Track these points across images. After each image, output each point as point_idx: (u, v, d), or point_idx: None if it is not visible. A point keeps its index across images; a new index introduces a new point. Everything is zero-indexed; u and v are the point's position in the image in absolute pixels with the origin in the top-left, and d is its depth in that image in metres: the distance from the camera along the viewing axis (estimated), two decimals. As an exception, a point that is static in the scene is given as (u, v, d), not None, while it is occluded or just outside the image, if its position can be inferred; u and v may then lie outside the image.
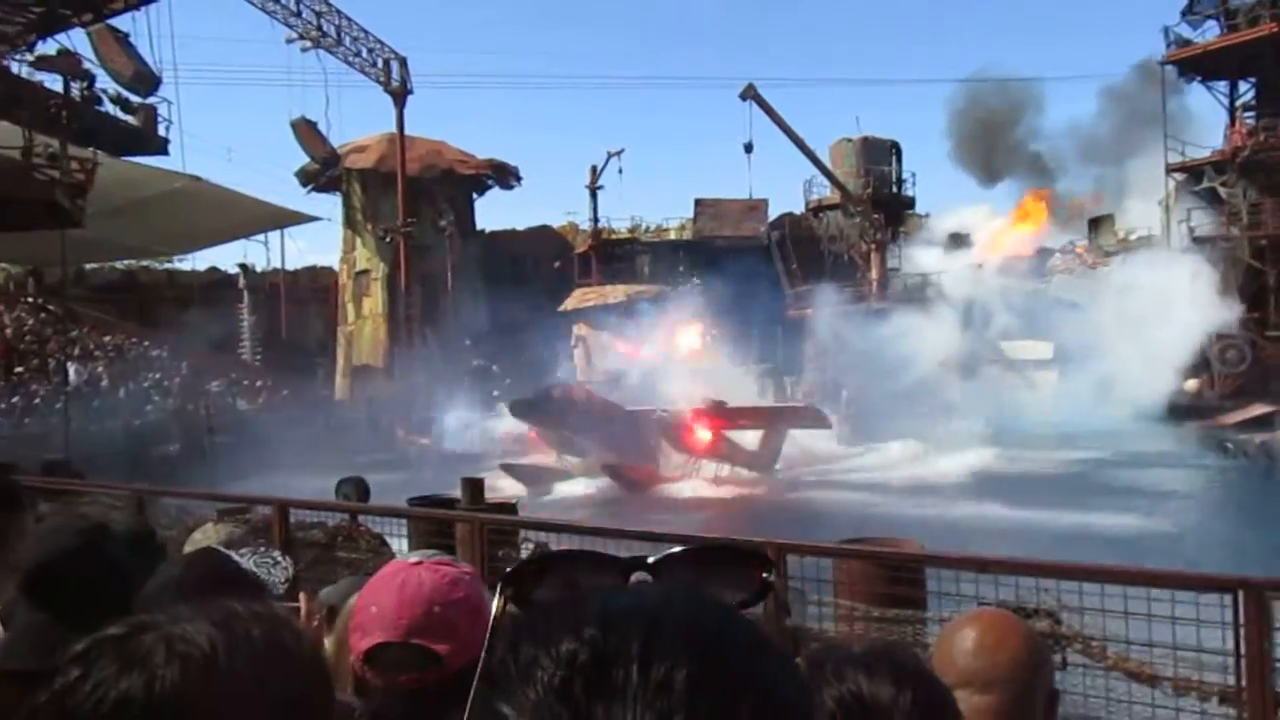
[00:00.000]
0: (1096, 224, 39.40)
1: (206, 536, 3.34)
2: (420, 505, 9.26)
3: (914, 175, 45.32)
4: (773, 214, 44.49)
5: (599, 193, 42.95)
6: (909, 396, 34.85)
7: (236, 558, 1.85)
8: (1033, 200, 44.20)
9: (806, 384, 40.69)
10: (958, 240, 41.67)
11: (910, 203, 45.17)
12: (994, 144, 49.83)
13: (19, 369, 28.23)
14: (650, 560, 0.64)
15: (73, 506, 7.71)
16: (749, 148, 39.50)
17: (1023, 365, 35.00)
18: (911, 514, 16.48)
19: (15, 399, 25.86)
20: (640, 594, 0.52)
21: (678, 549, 0.67)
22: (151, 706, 0.69)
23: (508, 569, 0.65)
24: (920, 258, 40.62)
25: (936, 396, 34.16)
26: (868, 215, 40.84)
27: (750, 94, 38.07)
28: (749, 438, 22.78)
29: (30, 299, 35.19)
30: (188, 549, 3.12)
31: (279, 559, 2.14)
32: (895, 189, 44.07)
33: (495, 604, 0.65)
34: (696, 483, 21.42)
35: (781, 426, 22.81)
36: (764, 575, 0.69)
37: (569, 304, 41.41)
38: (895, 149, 44.35)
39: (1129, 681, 3.87)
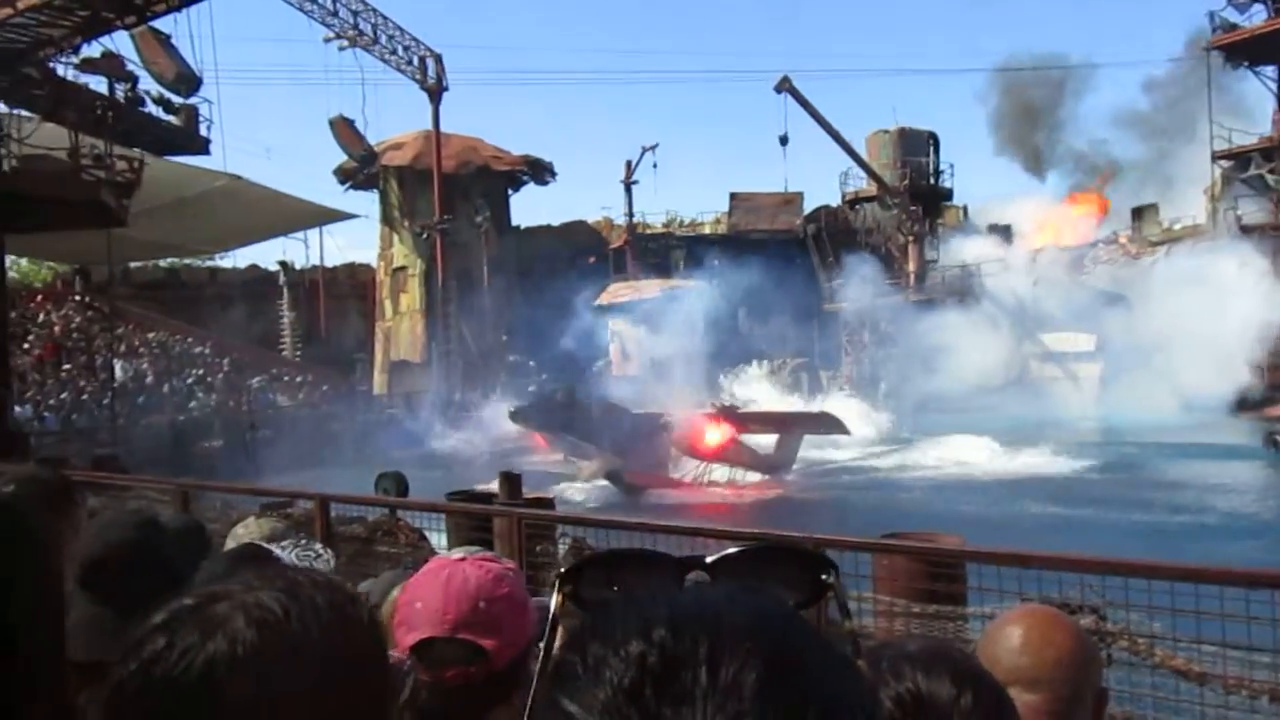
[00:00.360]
0: (1140, 214, 38.73)
1: (249, 531, 3.37)
2: (458, 500, 9.33)
3: (951, 166, 44.75)
4: (808, 207, 44.26)
5: (634, 187, 42.98)
6: (947, 389, 34.55)
7: (278, 551, 1.88)
8: (1094, 195, 43.66)
9: (843, 377, 40.48)
10: (999, 231, 41.18)
11: (948, 194, 44.67)
12: (1037, 131, 49.19)
13: (67, 366, 28.81)
14: (708, 560, 0.64)
15: (121, 501, 7.86)
16: (784, 140, 39.30)
17: (1064, 358, 34.55)
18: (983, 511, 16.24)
19: (64, 395, 26.41)
20: (703, 595, 0.52)
21: (734, 549, 0.66)
22: (235, 667, 0.75)
23: (564, 567, 0.65)
24: (961, 249, 40.17)
25: (976, 389, 33.82)
26: (905, 207, 40.47)
27: (785, 86, 37.85)
28: (763, 440, 22.25)
29: (78, 297, 35.92)
30: (230, 543, 3.16)
31: (320, 551, 2.16)
32: (933, 180, 43.61)
33: (553, 601, 0.65)
34: (712, 491, 20.84)
35: (797, 431, 22.19)
36: (823, 576, 0.68)
37: (604, 299, 41.47)
38: (933, 140, 43.89)
39: (1176, 679, 3.80)
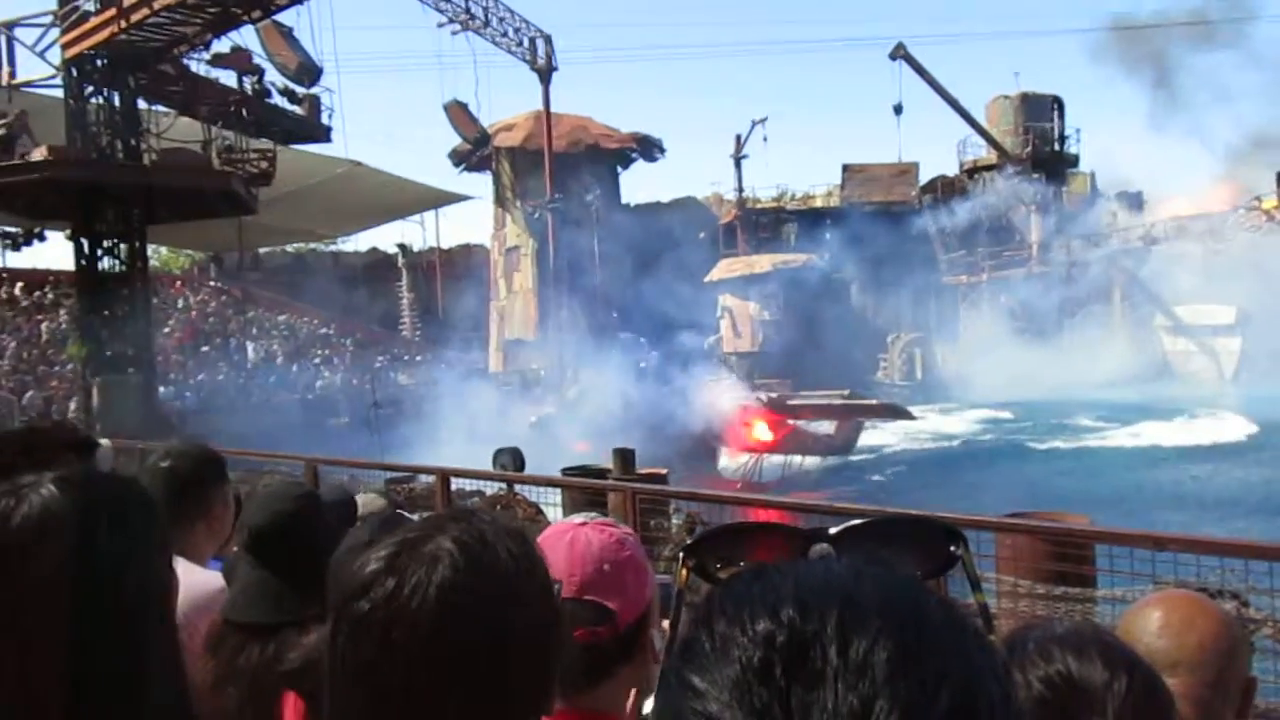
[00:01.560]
0: (1286, 177, 36.28)
1: (366, 505, 3.55)
2: (573, 475, 9.48)
3: (1077, 131, 42.70)
4: (924, 177, 43.02)
5: (744, 162, 42.55)
6: (1069, 361, 33.22)
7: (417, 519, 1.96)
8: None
9: (961, 352, 39.34)
10: (1129, 199, 39.25)
11: (1074, 160, 42.72)
12: (1173, 82, 46.57)
13: (205, 348, 30.41)
14: (833, 531, 0.63)
15: (257, 476, 8.25)
16: (899, 109, 38.29)
17: (1199, 331, 32.76)
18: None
19: (201, 376, 27.89)
20: (830, 570, 0.51)
21: (859, 520, 0.65)
22: (460, 589, 0.89)
23: (688, 540, 0.65)
24: (1087, 218, 38.43)
25: (1098, 362, 32.44)
26: (1027, 175, 38.94)
27: (900, 53, 36.84)
28: (823, 424, 21.78)
29: (213, 283, 37.83)
30: None
31: None
32: (1057, 146, 41.75)
33: (678, 575, 0.65)
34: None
35: (855, 420, 21.60)
36: (951, 548, 0.66)
37: (714, 275, 41.30)
38: (1057, 104, 41.99)
39: (1327, 669, 3.59)
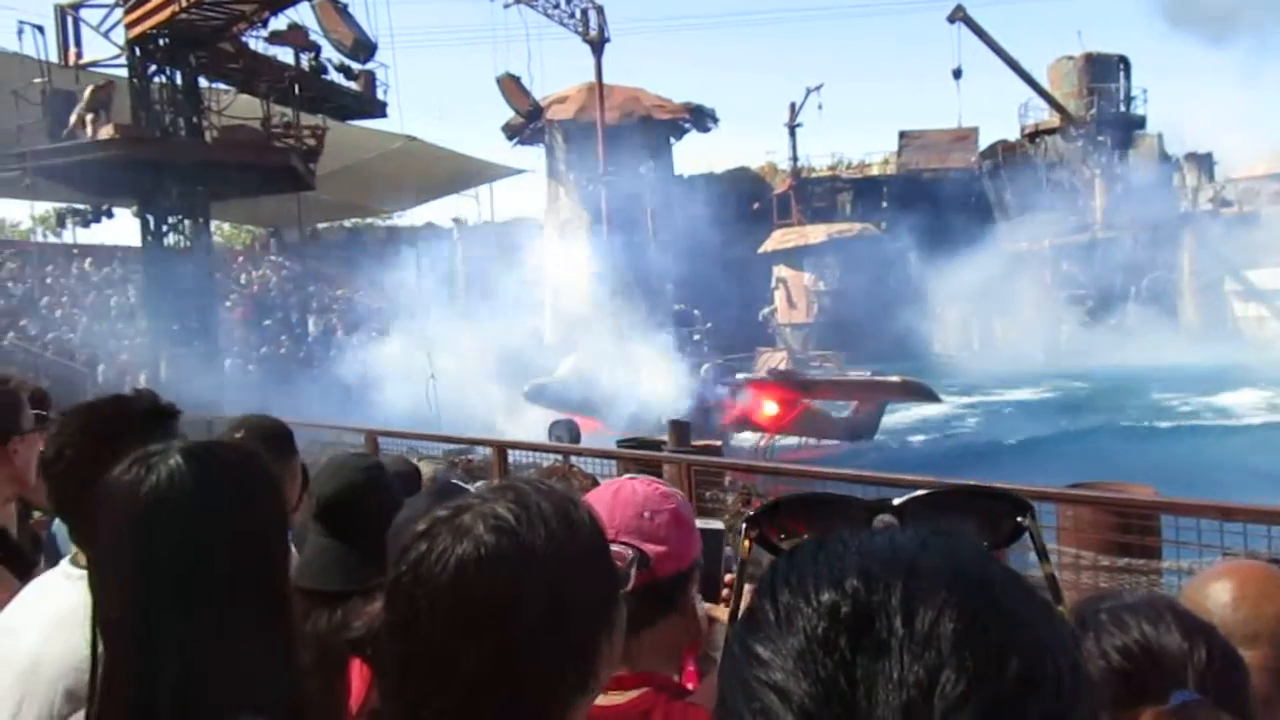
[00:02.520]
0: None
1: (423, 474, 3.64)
2: (629, 447, 9.53)
3: (1145, 91, 41.33)
4: (984, 143, 42.07)
5: (798, 130, 42.00)
6: (1134, 329, 32.40)
7: (471, 490, 1.99)
8: None
9: (1022, 321, 38.59)
10: (1198, 160, 37.99)
11: (1140, 121, 41.40)
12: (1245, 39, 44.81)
13: (266, 322, 31.03)
14: (896, 502, 0.62)
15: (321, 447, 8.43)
16: (958, 73, 37.41)
17: (1273, 295, 31.74)
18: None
19: (264, 350, 28.48)
20: (894, 540, 0.50)
21: (924, 491, 0.64)
22: (481, 564, 0.93)
23: (750, 512, 0.65)
24: (1155, 180, 37.29)
25: (1168, 329, 31.60)
26: (1092, 138, 37.87)
27: (959, 15, 35.94)
28: (840, 404, 20.09)
29: (273, 258, 38.52)
30: None
31: None
32: (1123, 108, 40.47)
33: (741, 546, 0.65)
34: None
35: (877, 399, 19.85)
36: (1018, 519, 0.65)
37: (769, 245, 40.96)
38: (1123, 64, 40.67)
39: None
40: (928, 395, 19.09)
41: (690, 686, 1.40)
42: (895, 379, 19.06)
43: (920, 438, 21.55)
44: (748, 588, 0.60)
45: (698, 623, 1.46)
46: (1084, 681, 0.47)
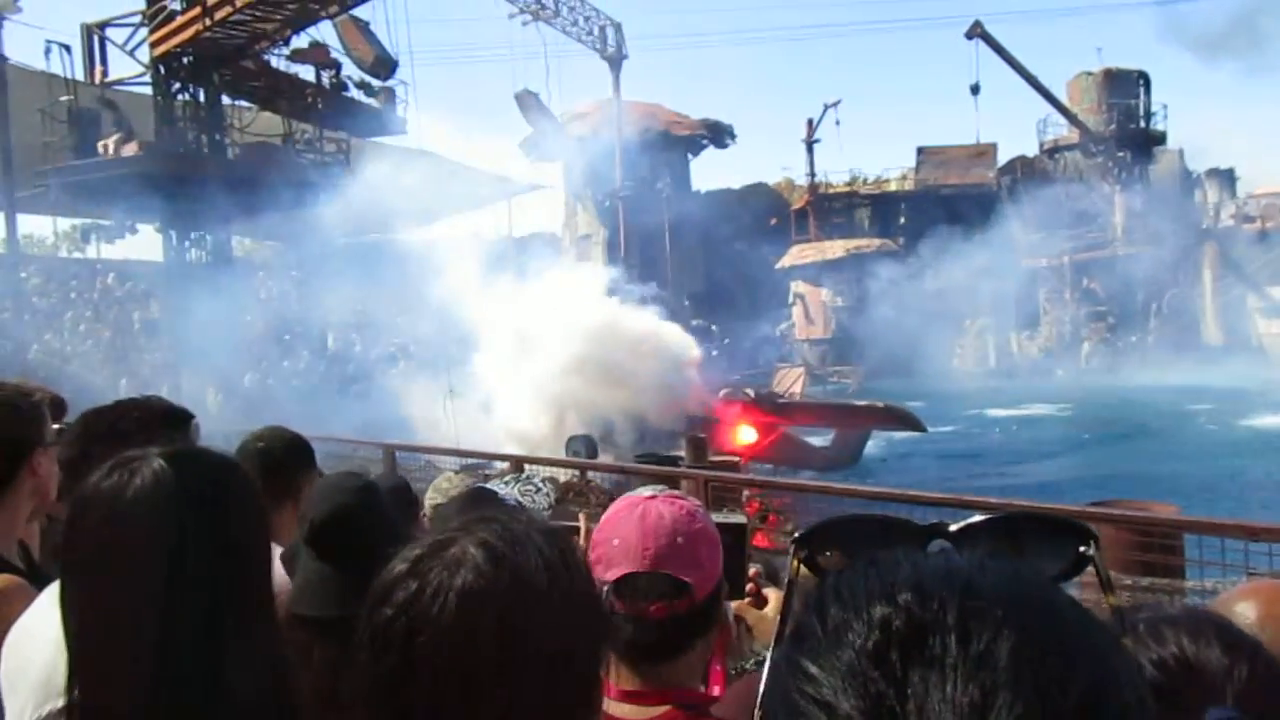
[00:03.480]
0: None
1: (451, 484, 3.63)
2: (646, 462, 9.52)
3: (1165, 107, 41.12)
4: (1002, 159, 41.99)
5: (815, 146, 42.05)
6: (1155, 346, 32.13)
7: (501, 489, 1.98)
8: None
9: (1042, 337, 38.38)
10: (1220, 176, 37.76)
11: (1161, 137, 41.22)
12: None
13: (286, 336, 31.24)
14: (953, 528, 0.60)
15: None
16: (976, 89, 37.38)
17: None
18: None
19: (285, 363, 28.67)
20: (950, 560, 0.49)
21: (981, 517, 0.62)
22: (486, 594, 0.85)
23: (798, 531, 0.64)
24: (1175, 197, 37.09)
25: (1190, 345, 31.32)
26: (1111, 154, 37.72)
27: (977, 31, 35.92)
28: (816, 434, 18.59)
29: (293, 273, 38.80)
30: (432, 494, 3.43)
31: (540, 485, 2.24)
32: (1143, 124, 40.31)
33: (790, 564, 0.64)
34: None
35: (858, 427, 18.43)
36: (1080, 548, 0.63)
37: (786, 261, 40.93)
38: (1143, 80, 40.52)
39: None
40: (912, 424, 17.40)
41: (716, 691, 1.38)
42: (879, 405, 17.73)
43: (933, 453, 21.24)
44: (795, 606, 0.59)
45: (728, 627, 1.45)
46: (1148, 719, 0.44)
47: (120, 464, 1.15)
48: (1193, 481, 14.87)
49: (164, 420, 1.66)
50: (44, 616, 1.51)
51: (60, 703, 1.27)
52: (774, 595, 1.61)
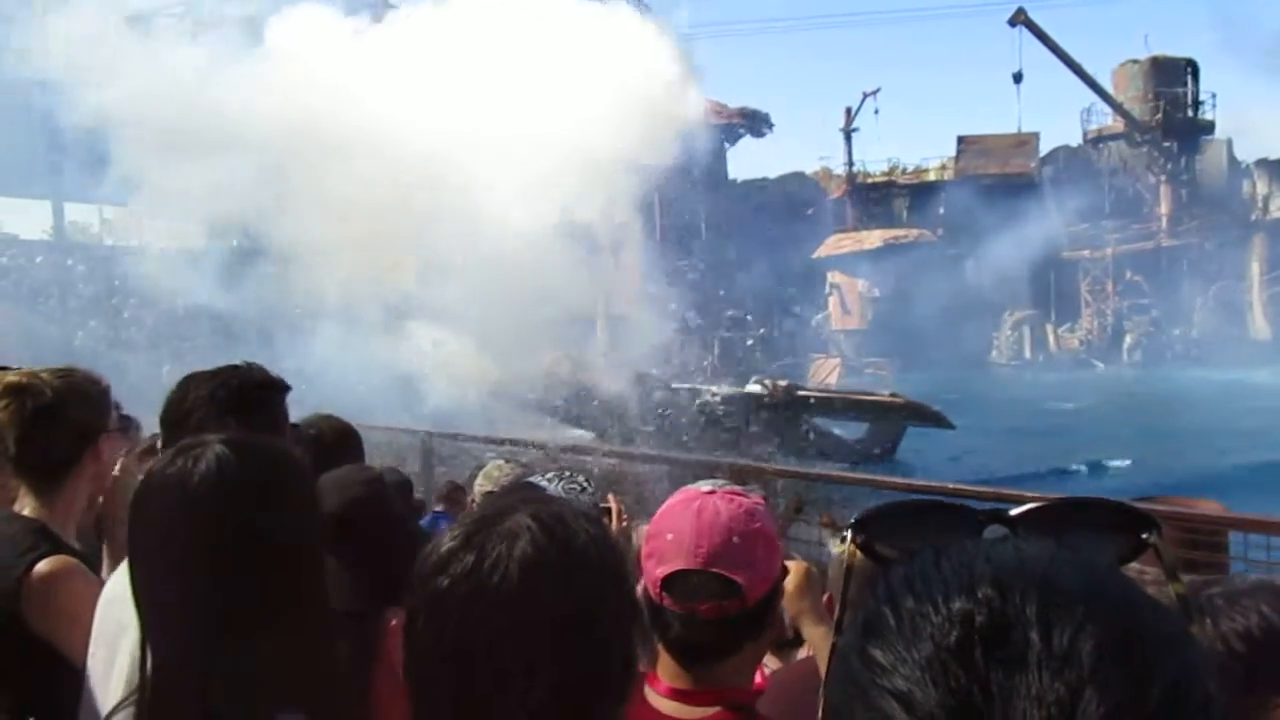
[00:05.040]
0: None
1: (501, 472, 3.64)
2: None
3: (1213, 96, 40.28)
4: (1045, 148, 41.38)
5: (854, 135, 41.73)
6: (1201, 340, 31.56)
7: (543, 483, 1.99)
8: None
9: (1081, 330, 37.85)
10: (1270, 167, 36.95)
11: (1209, 126, 40.41)
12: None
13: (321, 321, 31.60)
14: (1013, 513, 0.59)
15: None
16: (1018, 78, 36.94)
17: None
18: None
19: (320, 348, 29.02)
20: (1022, 550, 0.48)
21: (1039, 503, 0.60)
22: (543, 563, 0.88)
23: (856, 516, 0.62)
24: (1225, 186, 36.34)
25: (1236, 340, 30.73)
26: (1157, 143, 37.05)
27: (1021, 19, 35.45)
28: (849, 426, 18.42)
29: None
30: (482, 482, 3.45)
31: (585, 485, 2.26)
32: (1191, 113, 39.53)
33: (845, 550, 0.63)
34: None
35: (883, 420, 18.06)
36: (1143, 535, 0.61)
37: (823, 250, 40.67)
38: (1191, 68, 39.74)
39: None
40: (936, 420, 17.14)
41: (758, 681, 1.35)
42: (900, 400, 17.53)
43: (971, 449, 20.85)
44: (855, 593, 0.58)
45: (781, 626, 1.41)
46: (1219, 713, 0.45)
47: (184, 450, 1.17)
48: (1238, 478, 14.61)
49: (259, 388, 1.74)
50: (124, 576, 1.57)
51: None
52: (793, 566, 1.57)
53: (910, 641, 0.45)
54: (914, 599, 0.46)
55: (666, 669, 1.29)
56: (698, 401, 16.58)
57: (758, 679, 1.34)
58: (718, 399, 16.68)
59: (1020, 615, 0.43)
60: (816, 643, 1.47)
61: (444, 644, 0.88)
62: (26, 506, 1.85)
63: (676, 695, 1.28)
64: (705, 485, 1.37)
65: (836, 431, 18.33)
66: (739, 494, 1.36)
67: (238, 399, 1.71)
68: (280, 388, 1.79)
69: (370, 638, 1.73)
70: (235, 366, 1.81)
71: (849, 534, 0.63)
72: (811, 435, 17.65)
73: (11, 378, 1.86)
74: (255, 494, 1.14)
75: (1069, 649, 0.42)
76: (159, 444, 1.84)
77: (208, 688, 1.06)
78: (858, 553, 0.63)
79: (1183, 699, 0.43)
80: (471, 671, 0.87)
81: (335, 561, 1.82)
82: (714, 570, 1.27)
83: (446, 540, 0.92)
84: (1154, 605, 0.46)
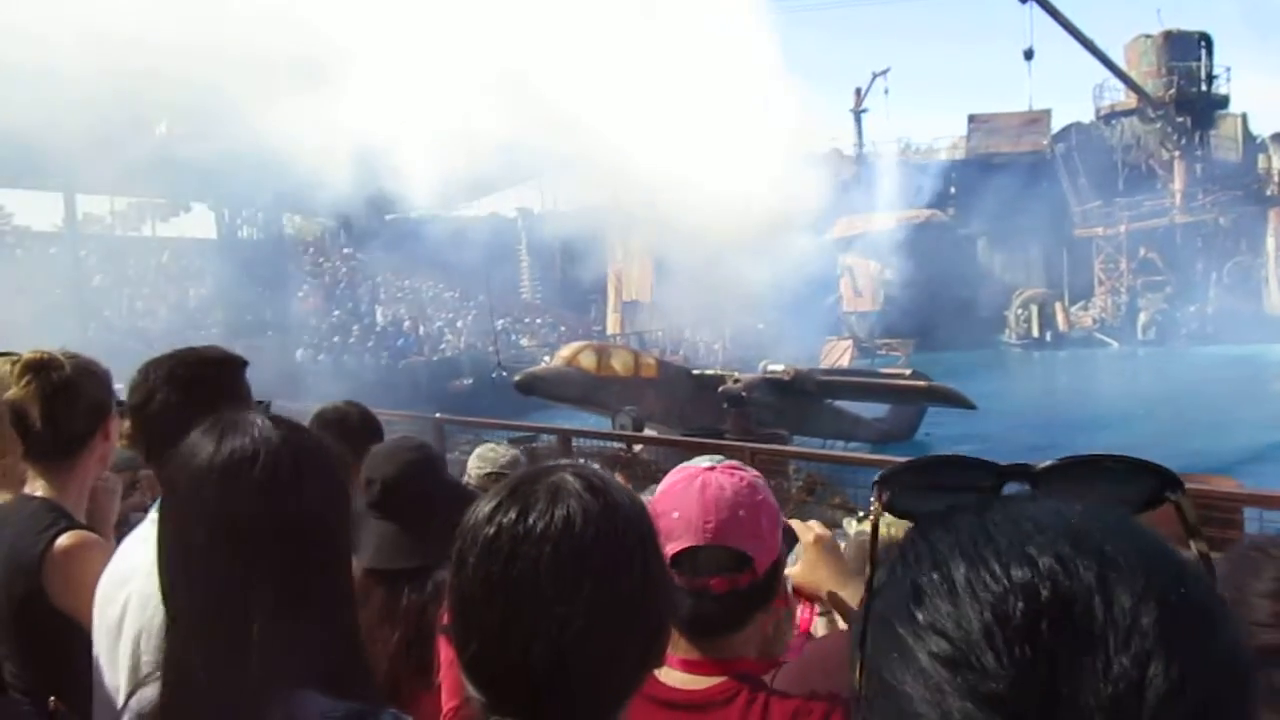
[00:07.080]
0: None
1: (496, 454, 3.77)
2: (693, 435, 9.52)
3: (1228, 70, 39.76)
4: (1056, 125, 41.01)
5: (864, 115, 41.47)
6: (1216, 316, 31.32)
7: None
8: None
9: (1095, 309, 37.60)
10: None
11: (1223, 101, 39.92)
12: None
13: (336, 312, 31.68)
14: (1035, 468, 0.58)
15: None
16: (1029, 54, 36.58)
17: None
18: None
19: (335, 339, 29.10)
20: (1062, 513, 0.48)
21: (1060, 459, 0.59)
22: (590, 514, 0.92)
23: (880, 473, 0.62)
24: (1240, 162, 35.97)
25: (1252, 316, 30.48)
26: (1170, 119, 36.67)
27: (1031, -6, 35.07)
28: (871, 406, 18.37)
29: (344, 249, 39.27)
30: (478, 463, 3.60)
31: (587, 463, 2.34)
32: (1205, 87, 39.04)
33: (875, 509, 0.62)
34: None
35: (902, 402, 18.19)
36: (1166, 493, 0.59)
37: (834, 231, 40.47)
38: (1204, 42, 39.24)
39: None
40: (958, 401, 16.96)
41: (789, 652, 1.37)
42: (921, 383, 17.42)
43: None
44: (883, 554, 0.58)
45: (788, 598, 1.43)
46: (1257, 680, 0.45)
47: (221, 423, 1.17)
48: (1254, 454, 14.53)
49: (219, 366, 1.77)
50: (130, 554, 1.61)
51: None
52: (800, 530, 1.56)
53: (964, 608, 0.44)
54: (966, 564, 0.46)
55: (675, 644, 1.30)
56: (720, 389, 16.61)
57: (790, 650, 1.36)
58: (739, 384, 16.71)
59: (1084, 587, 0.43)
60: (844, 605, 1.47)
61: (489, 584, 0.91)
62: (38, 489, 1.89)
63: (685, 666, 1.29)
64: (704, 461, 1.38)
65: (859, 413, 18.44)
66: (738, 468, 1.37)
67: (197, 375, 1.74)
68: (239, 363, 1.82)
69: (440, 590, 1.83)
70: (191, 348, 1.85)
71: (875, 489, 0.63)
72: (830, 417, 17.74)
73: (29, 355, 1.91)
74: (285, 478, 1.14)
75: (1132, 623, 0.42)
76: (127, 424, 1.87)
77: (233, 666, 1.06)
78: (881, 509, 0.63)
79: (1238, 661, 0.43)
80: (511, 622, 0.90)
81: (390, 526, 2.01)
82: (723, 544, 1.28)
83: (493, 495, 0.96)
84: (1200, 573, 0.47)
